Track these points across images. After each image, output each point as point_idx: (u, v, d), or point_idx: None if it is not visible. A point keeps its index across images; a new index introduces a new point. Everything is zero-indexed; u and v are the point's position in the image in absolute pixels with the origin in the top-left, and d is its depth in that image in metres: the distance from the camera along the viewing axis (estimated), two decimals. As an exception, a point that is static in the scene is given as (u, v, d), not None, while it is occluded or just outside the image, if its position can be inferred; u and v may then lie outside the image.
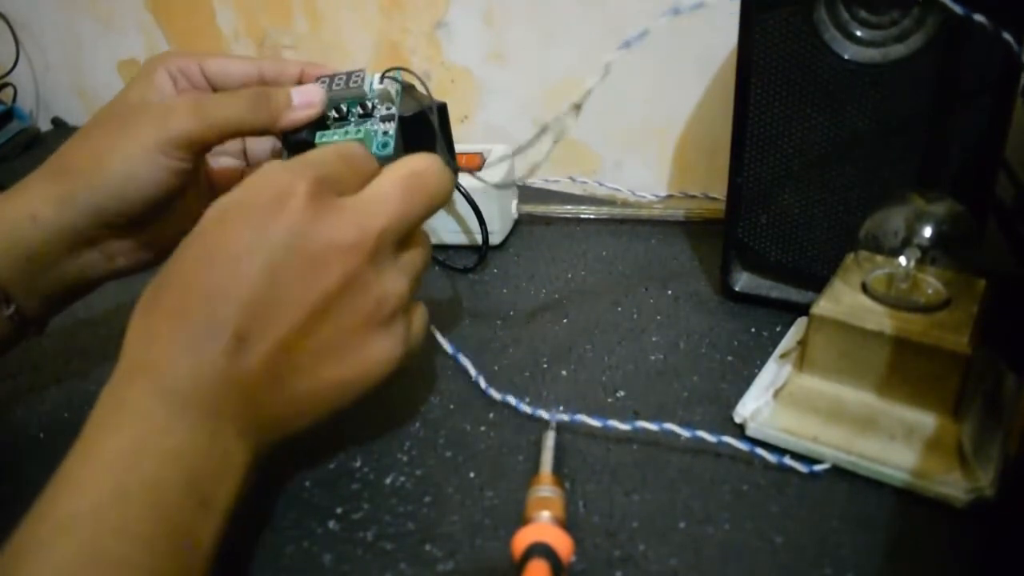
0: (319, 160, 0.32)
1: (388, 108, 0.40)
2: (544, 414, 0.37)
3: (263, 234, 0.29)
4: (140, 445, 0.26)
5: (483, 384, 0.40)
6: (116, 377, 0.28)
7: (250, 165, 0.45)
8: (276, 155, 0.44)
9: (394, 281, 0.32)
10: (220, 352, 0.28)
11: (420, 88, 0.41)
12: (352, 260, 0.30)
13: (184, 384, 0.27)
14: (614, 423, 0.35)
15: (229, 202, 0.30)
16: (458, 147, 0.51)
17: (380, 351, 0.32)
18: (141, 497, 0.25)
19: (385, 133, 0.40)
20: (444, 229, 0.54)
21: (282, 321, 0.29)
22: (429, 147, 0.47)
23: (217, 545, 0.26)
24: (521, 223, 0.58)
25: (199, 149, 0.37)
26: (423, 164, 0.33)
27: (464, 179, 0.49)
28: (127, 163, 0.35)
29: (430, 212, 0.33)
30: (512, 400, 0.39)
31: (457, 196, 0.51)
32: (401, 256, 0.33)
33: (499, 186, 0.49)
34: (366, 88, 0.40)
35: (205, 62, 0.40)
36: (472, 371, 0.41)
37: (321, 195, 0.30)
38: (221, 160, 0.44)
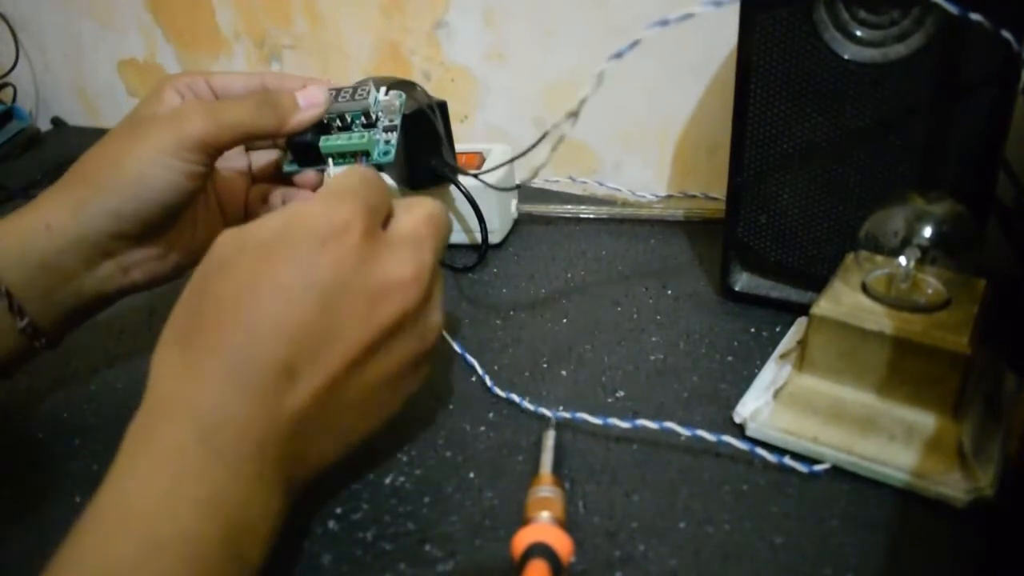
0: (362, 192, 0.30)
1: (391, 120, 0.42)
2: (545, 414, 0.37)
3: (319, 267, 0.28)
4: (175, 491, 0.24)
5: (488, 382, 0.40)
6: (145, 412, 0.26)
7: (255, 180, 0.46)
8: (278, 168, 0.44)
9: (438, 313, 0.32)
10: (269, 387, 0.26)
11: (422, 97, 0.43)
12: (411, 295, 0.30)
13: (226, 424, 0.25)
14: (614, 422, 0.35)
15: (271, 233, 0.28)
16: (458, 147, 0.51)
17: (418, 380, 0.33)
18: (175, 550, 0.23)
19: (387, 142, 0.41)
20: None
21: (335, 356, 0.28)
22: (429, 145, 0.47)
23: None
24: (521, 223, 0.58)
25: (211, 151, 0.37)
26: (434, 206, 0.33)
27: (464, 178, 0.49)
28: (140, 165, 0.35)
29: (444, 250, 0.34)
30: (516, 398, 0.39)
31: (457, 195, 0.51)
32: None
33: (499, 188, 0.49)
34: (371, 100, 0.42)
35: (211, 78, 0.41)
36: (479, 370, 0.41)
37: (375, 230, 0.30)
38: (226, 174, 0.44)
